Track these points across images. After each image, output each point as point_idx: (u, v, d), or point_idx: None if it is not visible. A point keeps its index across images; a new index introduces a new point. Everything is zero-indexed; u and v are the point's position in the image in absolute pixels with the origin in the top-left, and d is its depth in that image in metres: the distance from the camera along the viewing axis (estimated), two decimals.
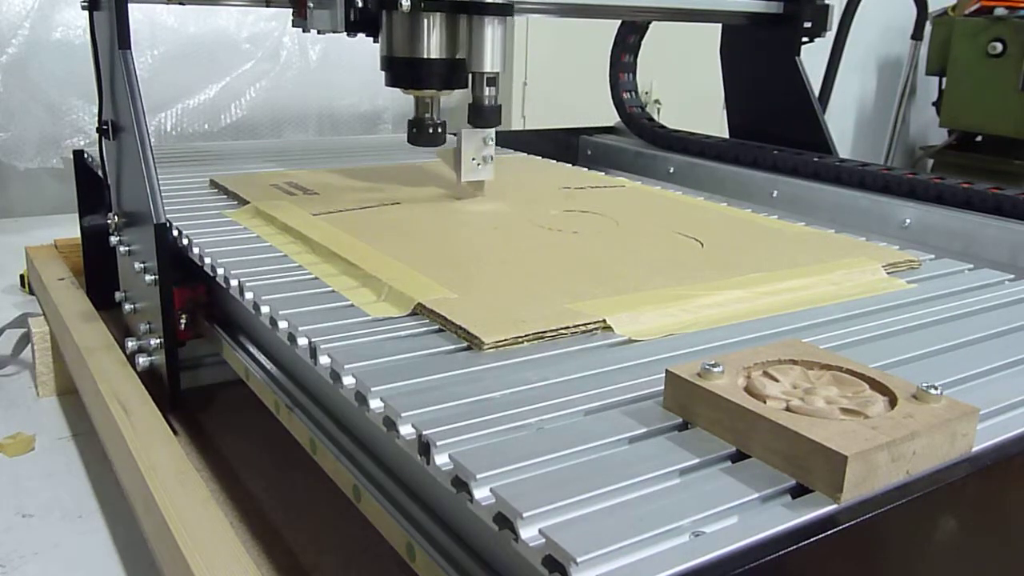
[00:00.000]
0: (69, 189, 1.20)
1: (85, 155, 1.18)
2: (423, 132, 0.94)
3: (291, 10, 1.02)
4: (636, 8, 1.26)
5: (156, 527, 0.63)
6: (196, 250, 0.77)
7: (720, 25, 1.39)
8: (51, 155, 1.84)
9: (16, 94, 1.79)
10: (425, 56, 0.88)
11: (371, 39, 0.93)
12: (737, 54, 1.39)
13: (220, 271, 0.71)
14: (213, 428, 0.89)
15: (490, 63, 0.88)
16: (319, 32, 0.94)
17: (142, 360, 0.87)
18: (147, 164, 0.84)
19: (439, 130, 0.94)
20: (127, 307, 0.96)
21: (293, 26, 0.98)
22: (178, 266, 0.82)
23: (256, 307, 0.64)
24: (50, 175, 1.90)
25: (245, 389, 0.74)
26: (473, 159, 0.95)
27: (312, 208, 0.88)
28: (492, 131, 0.95)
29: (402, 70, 0.90)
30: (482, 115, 0.91)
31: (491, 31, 0.87)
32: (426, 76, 0.89)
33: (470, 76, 0.90)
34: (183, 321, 0.84)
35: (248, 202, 0.91)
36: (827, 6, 1.29)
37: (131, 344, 0.90)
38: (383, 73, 0.93)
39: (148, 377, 0.85)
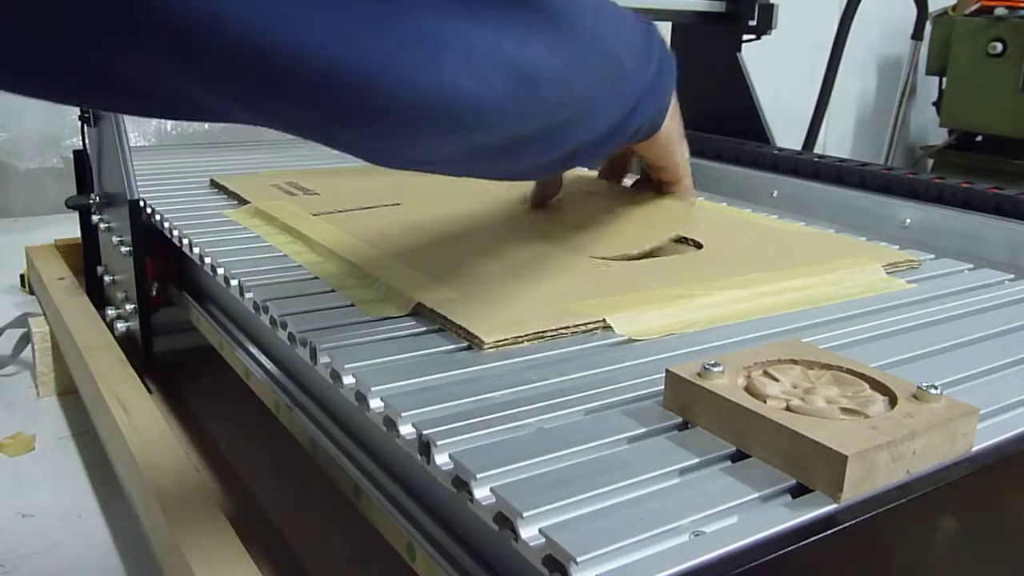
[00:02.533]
0: (69, 189, 1.20)
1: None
2: None
3: None
4: None
5: (156, 527, 0.63)
6: (197, 250, 0.77)
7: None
8: (51, 155, 1.84)
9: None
10: None
11: None
12: (686, 52, 1.43)
13: (220, 271, 0.72)
14: (184, 387, 0.99)
15: None
16: None
17: (120, 326, 0.97)
18: (122, 147, 0.94)
19: None
20: (107, 279, 1.05)
21: None
22: (150, 239, 0.92)
23: (256, 307, 0.64)
24: (50, 175, 1.90)
25: (213, 353, 0.81)
26: None
27: (312, 208, 0.88)
28: None
29: None
30: None
31: None
32: None
33: None
34: (155, 289, 0.93)
35: (248, 202, 0.91)
36: (771, 5, 1.34)
37: (110, 312, 1.00)
38: None
39: (125, 341, 0.94)
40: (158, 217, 0.89)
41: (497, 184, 1.05)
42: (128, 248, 0.92)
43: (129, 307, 0.96)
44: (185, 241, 0.80)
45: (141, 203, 0.92)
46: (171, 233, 0.85)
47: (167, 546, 0.61)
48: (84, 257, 1.19)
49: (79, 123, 1.05)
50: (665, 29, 1.46)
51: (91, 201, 1.08)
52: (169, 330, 1.00)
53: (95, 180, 1.10)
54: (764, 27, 1.36)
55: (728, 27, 1.38)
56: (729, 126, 1.37)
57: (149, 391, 0.82)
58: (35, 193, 1.98)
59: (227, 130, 1.98)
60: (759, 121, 1.37)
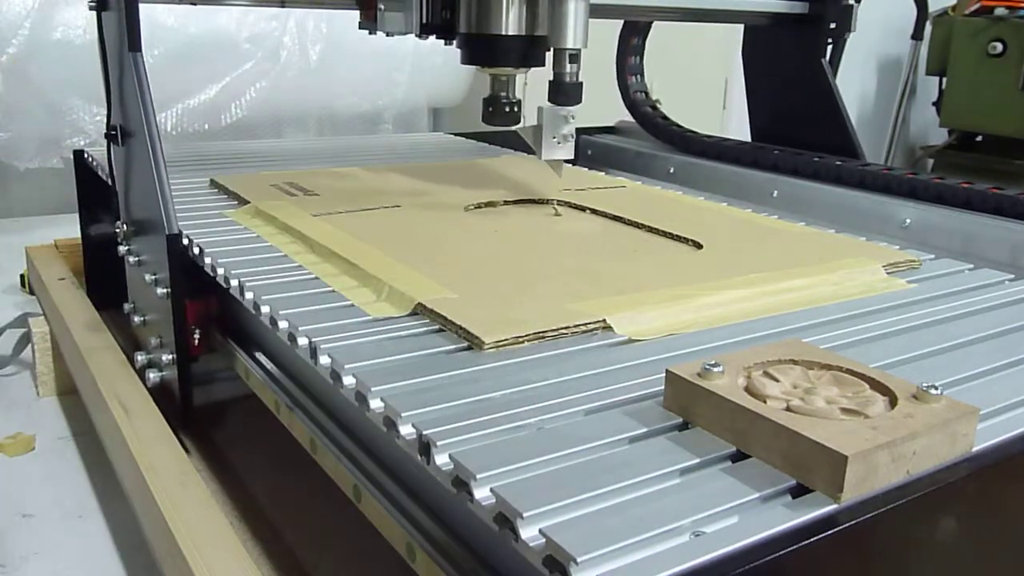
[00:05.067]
0: (69, 189, 1.20)
1: (85, 155, 1.18)
2: (498, 111, 0.91)
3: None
4: (657, 8, 1.23)
5: (156, 527, 0.63)
6: (196, 249, 0.77)
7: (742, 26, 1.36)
8: (51, 155, 1.83)
9: (16, 94, 1.79)
10: (503, 33, 0.86)
11: (442, 41, 0.91)
12: (760, 56, 1.36)
13: (220, 271, 0.71)
14: (226, 445, 0.85)
15: (572, 39, 0.84)
16: (388, 35, 0.92)
17: (152, 375, 0.83)
18: (158, 172, 0.81)
19: (515, 109, 0.91)
20: (136, 319, 0.91)
21: (360, 28, 0.95)
22: (190, 278, 0.78)
23: (256, 307, 0.64)
24: (50, 175, 1.90)
25: (259, 404, 0.71)
26: (553, 137, 0.91)
27: (312, 209, 0.88)
28: (574, 109, 0.90)
29: (479, 47, 0.88)
30: (563, 92, 0.87)
31: (574, 5, 0.83)
32: (503, 53, 0.87)
33: (552, 53, 0.86)
34: (196, 335, 0.80)
35: (248, 202, 0.91)
36: (851, 6, 1.26)
37: (140, 358, 0.86)
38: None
39: (159, 393, 0.82)
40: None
41: (497, 185, 1.05)
42: (165, 290, 0.78)
43: (166, 357, 0.81)
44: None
45: (184, 239, 0.78)
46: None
47: (167, 546, 0.61)
48: (84, 257, 1.19)
49: (105, 142, 0.93)
50: (735, 32, 1.38)
51: (117, 231, 0.94)
52: (207, 379, 0.85)
53: (121, 205, 0.95)
54: (843, 29, 1.26)
55: (809, 29, 1.27)
56: (812, 138, 1.25)
57: (187, 450, 0.73)
58: (35, 193, 1.98)
59: (227, 130, 1.98)
60: (847, 133, 1.24)
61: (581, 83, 0.87)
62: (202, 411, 0.84)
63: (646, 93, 1.49)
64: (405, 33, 0.91)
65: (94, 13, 0.93)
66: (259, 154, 1.28)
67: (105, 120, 0.93)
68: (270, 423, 0.68)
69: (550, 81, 0.87)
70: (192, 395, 0.82)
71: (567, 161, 0.93)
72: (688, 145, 1.34)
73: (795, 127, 1.30)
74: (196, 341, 0.80)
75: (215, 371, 0.84)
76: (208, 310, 0.80)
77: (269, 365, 0.71)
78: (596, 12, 1.18)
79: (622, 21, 1.48)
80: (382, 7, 0.90)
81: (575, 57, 0.85)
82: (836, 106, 1.26)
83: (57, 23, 1.80)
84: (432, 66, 2.09)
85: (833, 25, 1.26)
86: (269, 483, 0.78)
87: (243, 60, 1.96)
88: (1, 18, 1.75)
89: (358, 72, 2.07)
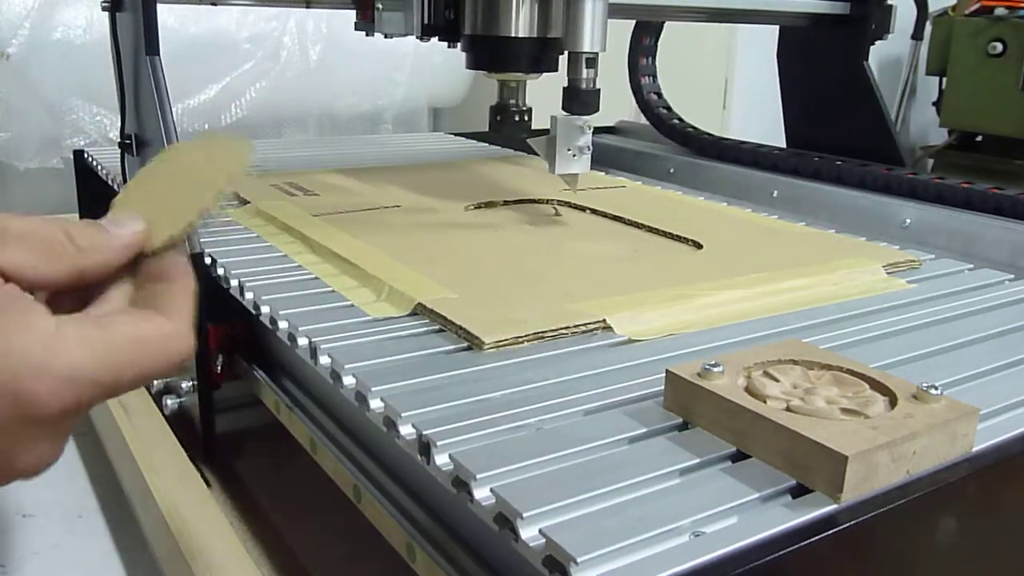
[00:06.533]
0: (69, 189, 1.20)
1: (85, 155, 1.18)
2: (507, 120, 0.84)
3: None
4: (688, 8, 1.19)
5: (156, 527, 0.63)
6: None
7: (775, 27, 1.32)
8: (51, 155, 1.83)
9: (16, 94, 1.79)
10: (513, 35, 0.80)
11: (445, 44, 0.86)
12: (797, 59, 1.32)
13: (220, 270, 0.71)
14: (249, 476, 0.79)
15: (590, 42, 0.77)
16: (387, 36, 0.87)
17: (170, 402, 0.78)
18: None
19: (525, 118, 0.85)
20: None
21: (356, 29, 0.90)
22: (212, 299, 0.72)
23: (256, 307, 0.64)
24: (50, 175, 1.90)
25: (285, 433, 0.67)
26: (568, 149, 0.84)
27: (312, 209, 0.88)
28: (590, 118, 0.83)
29: (485, 51, 0.82)
30: (579, 100, 0.79)
31: (591, 5, 0.76)
32: (513, 57, 0.81)
33: (566, 56, 0.79)
34: (219, 362, 0.74)
35: (248, 202, 0.91)
36: (892, 7, 1.23)
37: (157, 383, 0.81)
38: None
39: (177, 421, 0.77)
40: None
41: (497, 185, 1.05)
42: None
43: (185, 384, 0.75)
44: (234, 283, 0.68)
45: (208, 260, 0.73)
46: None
47: (167, 546, 0.61)
48: None
49: (119, 151, 0.88)
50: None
51: None
52: (228, 406, 0.78)
53: None
54: (881, 31, 1.23)
55: (850, 31, 1.23)
56: (854, 144, 1.20)
57: (208, 484, 0.69)
58: (35, 193, 1.98)
59: (227, 130, 1.98)
60: (891, 139, 1.21)
61: (598, 90, 0.80)
62: (225, 441, 0.79)
63: (659, 93, 1.47)
64: (405, 35, 0.86)
65: (96, 13, 0.89)
66: (259, 154, 1.28)
67: (119, 127, 0.89)
68: (301, 456, 0.64)
69: (564, 88, 0.81)
70: (214, 424, 0.76)
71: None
72: (703, 148, 1.32)
73: (835, 133, 1.26)
74: (219, 368, 0.74)
75: (240, 398, 0.78)
76: (233, 334, 0.74)
77: (298, 394, 0.69)
78: (624, 12, 1.09)
79: (628, 20, 1.47)
80: (380, 7, 0.85)
81: (592, 62, 0.78)
82: (880, 111, 1.22)
83: (57, 23, 1.80)
84: (432, 66, 2.09)
85: (873, 26, 1.22)
86: (263, 474, 0.77)
87: (243, 60, 1.96)
88: (1, 18, 1.75)
89: (358, 72, 2.07)
